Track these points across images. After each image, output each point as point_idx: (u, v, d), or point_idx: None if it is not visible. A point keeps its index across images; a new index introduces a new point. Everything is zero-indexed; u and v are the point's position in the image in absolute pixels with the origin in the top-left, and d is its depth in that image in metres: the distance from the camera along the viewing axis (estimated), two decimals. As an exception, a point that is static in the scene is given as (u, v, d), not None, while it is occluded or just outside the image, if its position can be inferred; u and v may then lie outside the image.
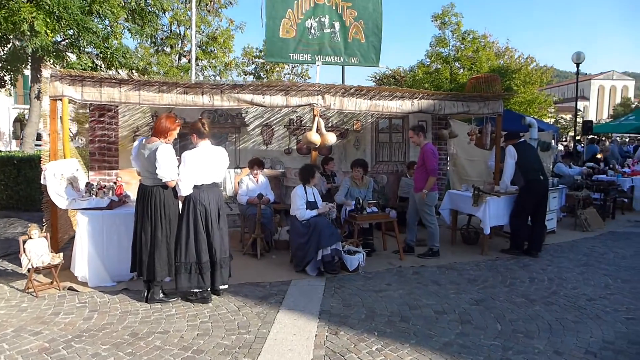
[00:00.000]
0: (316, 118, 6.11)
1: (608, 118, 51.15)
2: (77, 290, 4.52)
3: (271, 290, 4.69)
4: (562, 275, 5.33)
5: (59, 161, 5.06)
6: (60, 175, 4.83)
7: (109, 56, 10.97)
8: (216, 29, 19.47)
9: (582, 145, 16.04)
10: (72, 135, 6.71)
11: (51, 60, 10.99)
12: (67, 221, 5.83)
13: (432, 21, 21.04)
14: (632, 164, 11.95)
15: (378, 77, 25.53)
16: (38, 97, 11.51)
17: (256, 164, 6.36)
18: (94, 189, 4.99)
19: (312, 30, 8.11)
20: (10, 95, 17.43)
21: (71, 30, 10.50)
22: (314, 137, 5.99)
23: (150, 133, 4.83)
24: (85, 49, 11.20)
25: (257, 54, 22.56)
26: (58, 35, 10.71)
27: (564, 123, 35.10)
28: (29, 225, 4.65)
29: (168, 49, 19.00)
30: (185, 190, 4.18)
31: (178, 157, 4.25)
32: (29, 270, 4.42)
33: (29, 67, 12.75)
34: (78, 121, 6.81)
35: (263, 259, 5.80)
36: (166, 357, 3.27)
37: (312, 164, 5.97)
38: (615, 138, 22.82)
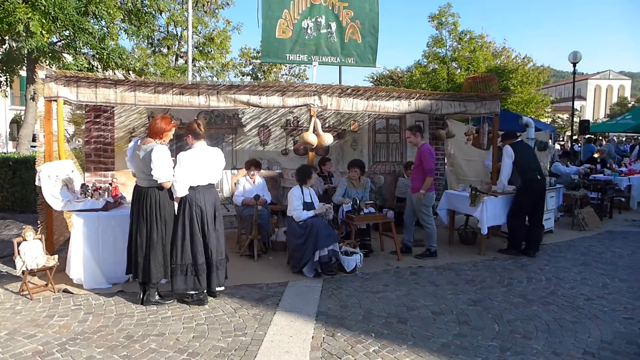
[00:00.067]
0: (313, 118, 6.09)
1: (605, 117, 51.29)
2: (72, 293, 4.48)
3: (268, 292, 4.66)
4: (559, 275, 5.32)
5: (54, 162, 5.03)
6: (56, 177, 4.80)
7: (105, 57, 10.95)
8: (213, 30, 19.48)
9: (579, 144, 16.09)
10: (69, 136, 6.68)
11: (47, 61, 10.96)
12: (62, 223, 5.79)
13: (429, 21, 21.09)
14: (629, 163, 11.98)
15: (376, 78, 25.56)
16: (33, 98, 11.46)
17: (253, 164, 6.33)
18: (89, 191, 4.96)
19: (309, 31, 8.09)
20: (7, 96, 17.34)
21: (67, 31, 10.48)
22: (311, 137, 5.97)
23: (146, 134, 4.81)
24: (82, 50, 11.17)
25: (255, 54, 22.56)
26: (54, 36, 10.68)
27: (561, 123, 35.14)
28: (24, 227, 4.61)
29: (165, 50, 18.98)
30: (180, 191, 4.15)
31: (174, 158, 4.23)
32: (23, 272, 4.39)
33: (24, 68, 12.70)
34: (75, 122, 6.78)
35: (260, 260, 5.78)
36: (161, 360, 3.25)
37: (308, 165, 5.96)
38: (612, 137, 22.88)
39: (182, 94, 5.46)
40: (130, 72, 12.36)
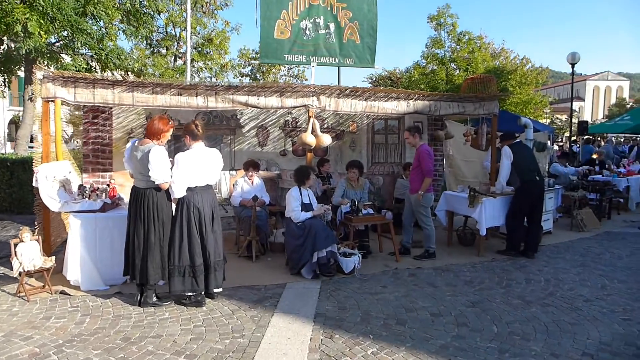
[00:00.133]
0: (311, 119, 6.08)
1: (603, 118, 51.39)
2: (69, 294, 4.47)
3: (266, 294, 4.65)
4: (558, 276, 5.31)
5: (51, 163, 5.00)
6: (53, 178, 4.78)
7: (103, 58, 10.91)
8: (212, 31, 19.45)
9: (578, 145, 16.10)
10: (67, 137, 6.65)
11: (45, 62, 10.93)
12: (59, 224, 5.77)
13: (427, 22, 21.13)
14: (628, 164, 11.99)
15: (374, 79, 25.59)
16: (31, 99, 11.43)
17: (251, 165, 6.32)
18: (86, 192, 4.94)
19: (307, 31, 8.08)
20: (5, 97, 17.28)
21: (65, 32, 10.43)
22: (309, 138, 5.96)
23: (144, 135, 4.79)
24: (80, 51, 11.13)
25: (254, 55, 22.55)
26: (52, 36, 10.64)
27: (559, 123, 35.21)
28: (21, 228, 4.59)
29: (163, 51, 18.95)
30: (178, 192, 4.13)
31: (172, 159, 4.21)
32: (20, 273, 4.37)
33: (23, 68, 12.67)
34: (73, 123, 6.76)
35: (258, 262, 5.76)
36: (159, 362, 3.23)
37: (307, 166, 5.94)
38: (610, 138, 22.94)
39: (181, 95, 5.45)
40: (129, 72, 12.33)
